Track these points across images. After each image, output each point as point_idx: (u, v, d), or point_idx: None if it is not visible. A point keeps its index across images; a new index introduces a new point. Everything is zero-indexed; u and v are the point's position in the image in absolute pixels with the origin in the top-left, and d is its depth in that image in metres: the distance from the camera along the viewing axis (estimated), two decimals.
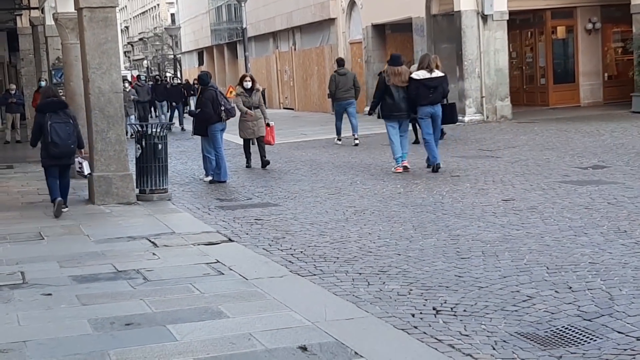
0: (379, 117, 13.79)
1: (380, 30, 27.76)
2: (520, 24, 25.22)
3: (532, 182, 11.43)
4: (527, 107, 24.42)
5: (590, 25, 24.38)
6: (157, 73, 47.70)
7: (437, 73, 13.18)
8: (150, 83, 30.87)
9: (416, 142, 16.59)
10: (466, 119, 21.52)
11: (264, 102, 16.61)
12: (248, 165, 15.49)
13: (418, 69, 13.37)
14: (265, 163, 15.16)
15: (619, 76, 24.42)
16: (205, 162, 13.96)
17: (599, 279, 6.44)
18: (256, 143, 15.52)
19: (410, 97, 13.12)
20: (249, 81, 15.32)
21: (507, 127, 19.84)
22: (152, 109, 30.22)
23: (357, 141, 18.27)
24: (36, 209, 11.54)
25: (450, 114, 13.78)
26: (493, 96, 21.82)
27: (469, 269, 7.02)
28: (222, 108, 13.60)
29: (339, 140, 18.84)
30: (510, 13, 21.96)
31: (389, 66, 13.54)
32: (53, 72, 18.55)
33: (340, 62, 19.54)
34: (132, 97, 24.44)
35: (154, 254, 8.19)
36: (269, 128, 15.43)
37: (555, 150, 14.70)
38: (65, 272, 7.53)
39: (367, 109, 15.13)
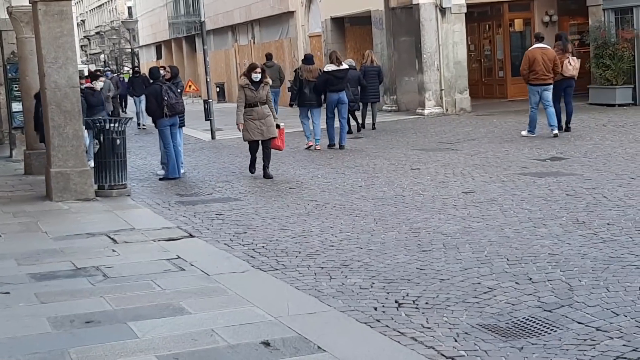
0: (291, 106, 17.21)
1: (339, 23, 27.76)
2: (478, 16, 25.38)
3: (492, 175, 11.51)
4: (485, 100, 24.59)
5: (547, 18, 24.62)
6: (136, 65, 46.66)
7: (344, 66, 16.10)
8: (121, 76, 29.89)
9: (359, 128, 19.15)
10: (426, 111, 21.63)
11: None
12: (252, 172, 13.10)
13: (329, 63, 16.11)
14: (267, 175, 12.62)
15: None
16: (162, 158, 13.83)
17: (558, 269, 6.51)
18: (261, 147, 12.94)
19: (318, 89, 15.88)
20: (259, 72, 12.82)
21: (466, 120, 19.98)
22: (123, 103, 29.33)
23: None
24: None
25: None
26: (452, 89, 21.93)
27: (430, 261, 7.05)
28: (165, 103, 13.08)
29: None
30: (468, 6, 22.08)
31: (303, 65, 16.44)
32: (8, 67, 18.21)
33: (268, 57, 23.77)
34: (108, 93, 23.71)
35: (113, 250, 8.11)
36: (278, 130, 12.99)
37: (514, 143, 14.83)
38: (23, 269, 7.42)
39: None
